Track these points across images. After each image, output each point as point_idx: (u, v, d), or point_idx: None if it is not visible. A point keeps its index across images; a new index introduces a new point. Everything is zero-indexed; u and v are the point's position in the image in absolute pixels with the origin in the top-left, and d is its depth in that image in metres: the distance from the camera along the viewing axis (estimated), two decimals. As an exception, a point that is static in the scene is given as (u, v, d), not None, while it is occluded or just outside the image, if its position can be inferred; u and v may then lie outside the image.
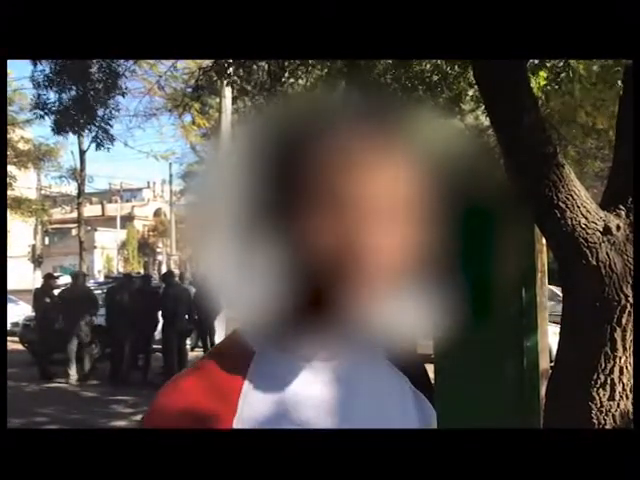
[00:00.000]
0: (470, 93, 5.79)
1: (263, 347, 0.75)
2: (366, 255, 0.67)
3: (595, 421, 2.56)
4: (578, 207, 2.54)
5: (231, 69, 5.54)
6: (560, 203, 2.53)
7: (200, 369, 0.78)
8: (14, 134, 19.14)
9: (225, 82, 5.99)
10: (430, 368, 3.92)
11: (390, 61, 5.32)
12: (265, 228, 0.69)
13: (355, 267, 0.67)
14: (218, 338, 11.09)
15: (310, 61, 5.35)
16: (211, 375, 0.75)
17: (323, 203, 0.67)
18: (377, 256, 0.67)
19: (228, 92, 10.66)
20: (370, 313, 0.72)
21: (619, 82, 2.84)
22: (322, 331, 0.73)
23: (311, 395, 0.74)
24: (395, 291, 0.70)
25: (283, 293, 0.69)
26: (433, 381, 3.79)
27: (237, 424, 0.72)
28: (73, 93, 7.03)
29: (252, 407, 0.73)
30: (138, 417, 7.37)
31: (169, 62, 11.34)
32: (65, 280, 14.16)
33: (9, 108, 18.46)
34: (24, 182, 21.39)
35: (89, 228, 30.74)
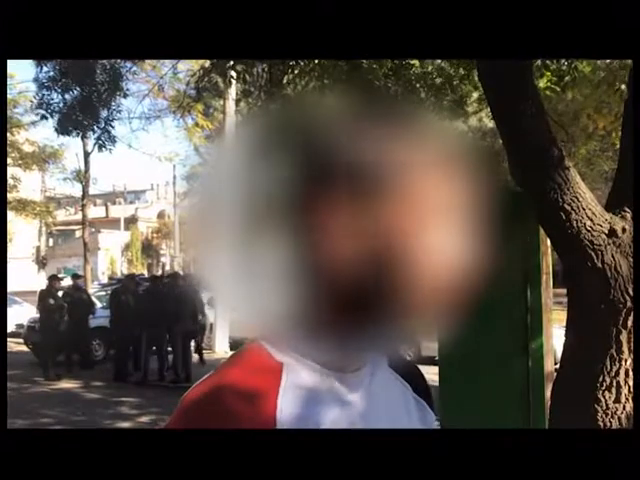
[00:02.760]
0: (475, 96, 5.79)
1: (290, 358, 0.72)
2: (404, 258, 0.65)
3: (600, 423, 2.54)
4: (583, 209, 2.53)
5: (232, 72, 5.55)
6: (565, 205, 2.52)
7: (227, 379, 0.73)
8: (19, 136, 19.18)
9: (228, 82, 6.00)
10: (434, 370, 3.91)
11: (394, 63, 5.32)
12: (269, 230, 0.68)
13: (392, 272, 0.65)
14: (220, 339, 11.14)
15: (311, 65, 5.36)
16: (243, 387, 0.71)
17: (341, 205, 0.65)
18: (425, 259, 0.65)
19: (232, 94, 10.66)
20: (404, 318, 0.69)
21: (623, 85, 2.83)
22: (353, 340, 0.70)
23: (345, 406, 0.72)
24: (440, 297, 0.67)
25: (294, 298, 0.68)
26: (437, 382, 3.78)
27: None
28: (76, 94, 7.07)
29: (288, 421, 0.70)
30: (143, 419, 7.38)
31: (172, 64, 11.35)
32: (67, 282, 14.18)
33: (14, 110, 18.52)
34: (29, 184, 21.43)
35: (93, 230, 30.80)
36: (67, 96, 7.16)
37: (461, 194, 0.68)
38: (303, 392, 0.71)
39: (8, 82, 17.10)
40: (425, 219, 0.66)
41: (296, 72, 5.35)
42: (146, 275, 14.46)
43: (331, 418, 0.71)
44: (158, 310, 9.79)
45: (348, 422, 0.72)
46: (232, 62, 5.54)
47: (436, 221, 0.67)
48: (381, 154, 0.67)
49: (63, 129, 7.29)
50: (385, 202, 0.66)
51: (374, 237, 0.65)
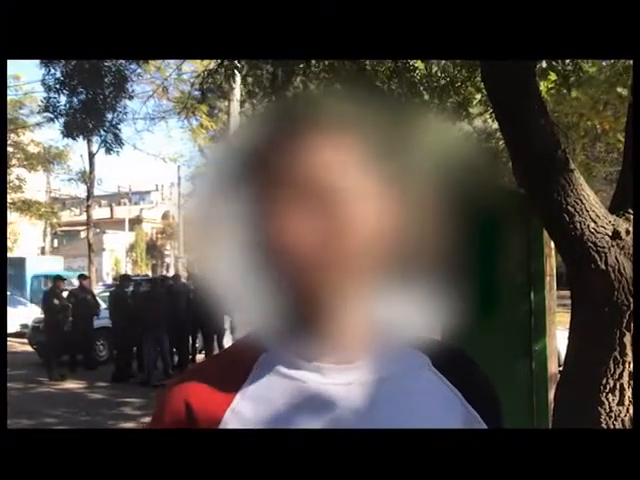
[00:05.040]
0: (478, 97, 5.78)
1: (273, 347, 0.76)
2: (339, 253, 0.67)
3: (604, 426, 2.53)
4: (587, 211, 2.52)
5: (240, 75, 5.56)
6: (569, 207, 2.52)
7: (208, 364, 0.82)
8: (24, 137, 19.25)
9: (232, 83, 6.02)
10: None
11: (397, 65, 5.32)
12: (265, 230, 0.69)
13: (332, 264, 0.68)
14: (225, 342, 11.11)
15: (315, 67, 5.36)
16: (216, 369, 0.78)
17: (310, 199, 0.67)
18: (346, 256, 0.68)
19: (236, 95, 10.69)
20: (368, 313, 0.73)
21: (625, 90, 2.82)
22: (329, 333, 0.72)
23: (313, 396, 0.73)
24: (382, 288, 0.71)
25: (285, 295, 0.69)
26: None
27: (229, 417, 0.73)
28: (82, 97, 7.11)
29: (248, 402, 0.73)
30: (146, 419, 7.38)
31: (176, 65, 11.39)
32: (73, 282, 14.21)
33: (20, 111, 18.59)
34: (34, 185, 21.51)
35: (98, 230, 30.86)
36: (74, 99, 7.21)
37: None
38: (272, 377, 0.74)
39: (14, 83, 17.17)
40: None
41: (302, 73, 5.36)
42: (150, 276, 14.54)
43: (293, 404, 0.73)
44: (159, 311, 9.80)
45: (314, 410, 0.73)
46: (241, 65, 5.55)
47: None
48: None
49: (69, 132, 7.33)
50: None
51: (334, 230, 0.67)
